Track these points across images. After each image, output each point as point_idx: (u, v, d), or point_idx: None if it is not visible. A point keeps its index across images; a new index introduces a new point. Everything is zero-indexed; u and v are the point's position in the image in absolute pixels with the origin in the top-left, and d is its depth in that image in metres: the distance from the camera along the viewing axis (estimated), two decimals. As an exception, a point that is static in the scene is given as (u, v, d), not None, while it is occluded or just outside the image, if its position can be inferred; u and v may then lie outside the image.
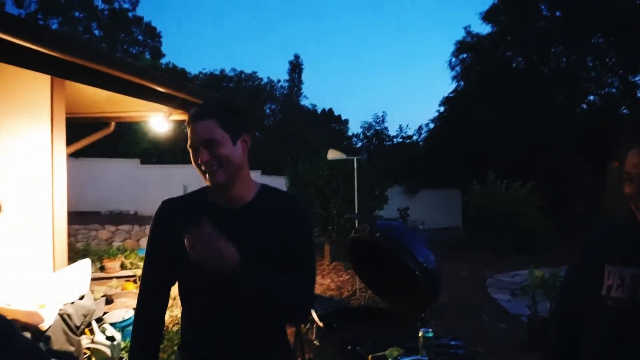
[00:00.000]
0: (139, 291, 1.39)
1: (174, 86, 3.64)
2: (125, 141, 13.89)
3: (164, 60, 21.77)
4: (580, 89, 14.97)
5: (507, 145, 13.22)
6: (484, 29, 17.92)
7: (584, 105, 15.82)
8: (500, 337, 4.73)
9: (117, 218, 10.38)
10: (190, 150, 1.25)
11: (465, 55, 16.39)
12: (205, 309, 1.29)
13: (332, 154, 6.37)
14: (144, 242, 9.75)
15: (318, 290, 6.44)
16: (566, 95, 14.84)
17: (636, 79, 14.05)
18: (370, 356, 2.13)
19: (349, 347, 2.30)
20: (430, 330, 2.18)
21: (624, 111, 15.21)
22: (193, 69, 34.74)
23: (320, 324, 2.52)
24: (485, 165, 11.55)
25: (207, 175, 1.23)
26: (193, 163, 1.25)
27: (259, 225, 1.28)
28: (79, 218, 9.49)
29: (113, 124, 4.84)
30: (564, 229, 11.92)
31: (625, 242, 1.15)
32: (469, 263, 8.89)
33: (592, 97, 15.88)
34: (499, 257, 9.58)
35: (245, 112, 1.33)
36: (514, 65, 16.10)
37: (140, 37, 24.51)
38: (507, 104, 13.76)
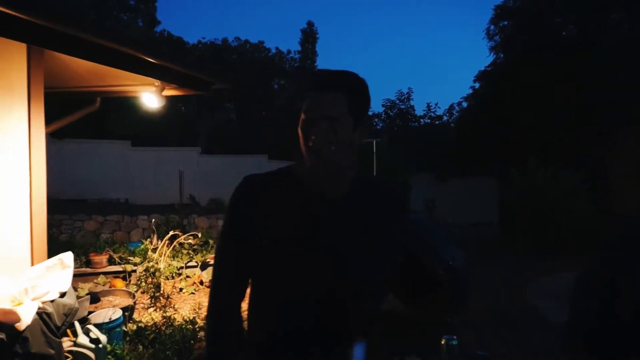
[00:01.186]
0: (215, 285, 1.36)
1: (166, 57, 3.65)
2: (114, 120, 14.03)
3: (158, 29, 21.87)
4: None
5: (553, 129, 12.98)
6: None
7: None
8: (540, 350, 4.70)
9: (106, 207, 10.56)
10: (303, 116, 1.20)
11: (506, 23, 16.09)
12: (292, 306, 1.28)
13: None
14: (135, 235, 9.90)
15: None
16: (630, 72, 14.44)
17: None
18: (384, 366, 2.13)
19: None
20: (454, 337, 2.17)
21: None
22: (191, 38, 34.81)
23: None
24: (526, 152, 11.39)
25: (312, 156, 1.19)
26: (301, 134, 1.22)
27: (354, 220, 1.27)
28: (63, 207, 9.67)
29: (98, 100, 4.88)
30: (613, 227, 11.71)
31: None
32: (505, 264, 8.83)
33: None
34: (540, 258, 9.50)
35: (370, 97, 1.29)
36: (565, 34, 15.71)
37: (132, 2, 24.61)
38: (555, 80, 13.48)
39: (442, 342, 2.18)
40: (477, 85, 17.79)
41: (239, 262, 1.31)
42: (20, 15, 2.52)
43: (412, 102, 20.23)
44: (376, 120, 21.40)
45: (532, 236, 10.07)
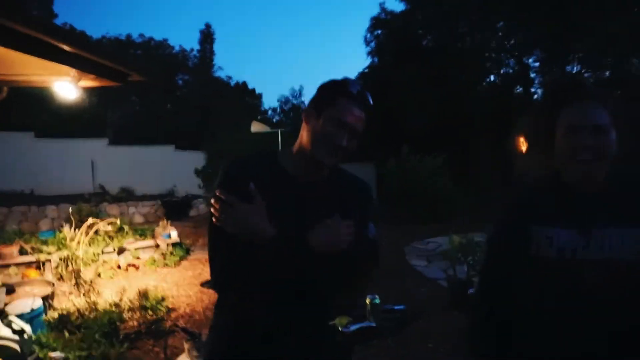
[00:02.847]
0: (215, 267, 1.23)
1: (83, 45, 3.20)
2: (16, 112, 12.29)
3: (58, 22, 19.41)
4: (484, 69, 16.13)
5: (418, 121, 13.92)
6: (398, 6, 18.49)
7: (485, 84, 17.11)
8: (422, 299, 5.02)
9: (10, 199, 9.26)
10: (333, 124, 1.21)
11: (379, 32, 16.78)
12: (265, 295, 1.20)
13: (256, 127, 6.19)
14: (43, 224, 8.84)
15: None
16: (470, 75, 15.93)
17: (529, 60, 15.44)
18: (320, 327, 2.11)
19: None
20: (376, 296, 2.21)
21: (519, 90, 16.73)
22: (94, 32, 31.45)
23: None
24: (398, 141, 12.08)
25: (328, 154, 1.20)
26: (320, 133, 1.22)
27: (332, 202, 1.24)
28: (-39, 200, 8.30)
29: (5, 89, 4.18)
30: (470, 197, 12.98)
31: (550, 202, 1.19)
32: (386, 233, 9.29)
33: (492, 77, 17.22)
34: (413, 227, 10.16)
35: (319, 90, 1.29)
36: (425, 43, 16.81)
37: (25, -6, 21.55)
38: (417, 81, 14.42)
39: (367, 301, 2.22)
40: (357, 84, 18.37)
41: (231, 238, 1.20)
42: None
43: (303, 99, 20.39)
44: (272, 113, 21.28)
45: (406, 210, 10.73)
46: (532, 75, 15.93)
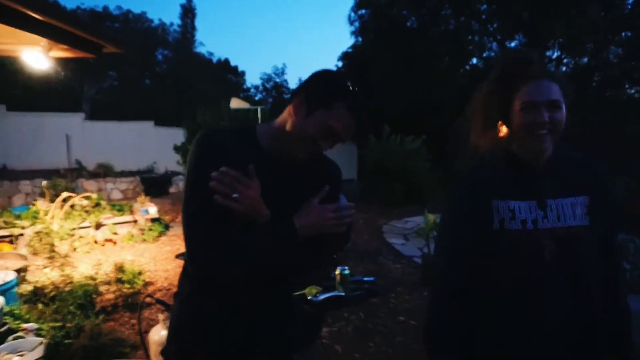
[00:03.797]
0: (198, 247, 1.13)
1: (55, 13, 3.10)
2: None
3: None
4: (465, 52, 16.20)
5: (399, 103, 13.97)
6: (383, -15, 18.26)
7: (468, 67, 17.22)
8: (397, 276, 5.15)
9: (-19, 173, 9.03)
10: (326, 129, 1.16)
11: (364, 12, 16.64)
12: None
13: (235, 103, 6.13)
14: (17, 200, 8.67)
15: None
16: (452, 57, 16.00)
17: (511, 44, 15.55)
18: (290, 296, 2.16)
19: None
20: (346, 268, 2.27)
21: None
22: (68, 3, 30.34)
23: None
24: (379, 121, 12.12)
25: (316, 149, 1.18)
26: (310, 134, 1.16)
27: (303, 180, 1.23)
28: None
29: (-27, 58, 4.03)
30: (447, 181, 13.19)
31: (506, 177, 1.24)
32: (365, 212, 9.42)
33: (474, 60, 17.32)
34: (391, 207, 10.31)
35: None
36: (408, 24, 16.76)
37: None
38: (400, 62, 14.42)
39: (337, 272, 2.28)
40: (340, 64, 18.28)
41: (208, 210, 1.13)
42: None
43: (285, 77, 20.18)
44: (254, 91, 21.03)
45: (386, 189, 10.85)
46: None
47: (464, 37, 15.93)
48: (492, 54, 16.62)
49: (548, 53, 14.66)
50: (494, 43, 16.39)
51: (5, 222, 5.65)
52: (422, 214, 5.28)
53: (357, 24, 16.76)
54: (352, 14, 16.68)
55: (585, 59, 14.61)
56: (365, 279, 2.39)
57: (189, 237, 1.13)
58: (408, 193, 10.89)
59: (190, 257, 1.13)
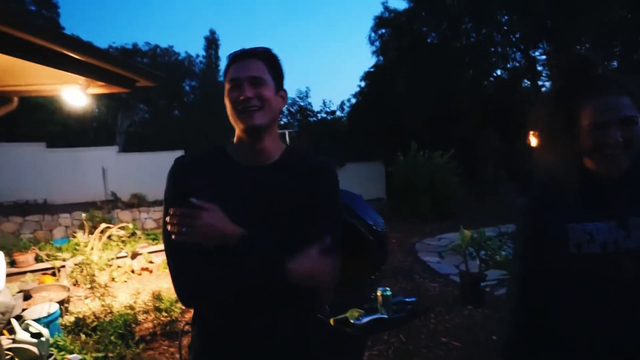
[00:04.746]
0: (183, 282, 1.14)
1: (92, 53, 3.25)
2: (25, 123, 12.48)
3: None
4: (489, 64, 16.06)
5: (422, 117, 13.89)
6: (401, 4, 18.47)
7: (492, 79, 17.02)
8: (434, 295, 5.01)
9: (24, 208, 9.39)
10: (229, 85, 1.18)
11: (383, 31, 16.76)
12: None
13: (264, 128, 6.21)
14: (57, 232, 8.94)
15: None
16: (476, 69, 15.87)
17: (536, 53, 15.34)
18: (332, 320, 2.12)
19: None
20: (387, 289, 2.22)
21: (526, 84, 16.62)
22: (101, 42, 31.85)
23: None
24: (405, 138, 12.06)
25: (242, 116, 1.16)
26: (228, 102, 1.18)
27: (283, 185, 1.19)
28: (-23, 211, 8.45)
29: (16, 99, 4.24)
30: (476, 194, 12.93)
31: (579, 196, 1.14)
32: (396, 230, 9.29)
33: (498, 72, 17.12)
34: (422, 224, 10.14)
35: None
36: (429, 40, 16.76)
37: (32, 7, 21.88)
38: (422, 78, 14.38)
39: (378, 293, 2.23)
40: (363, 83, 18.38)
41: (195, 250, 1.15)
42: None
43: (309, 99, 20.40)
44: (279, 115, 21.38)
45: (415, 206, 10.69)
46: (539, 68, 15.83)
47: (486, 49, 15.80)
48: (517, 64, 16.41)
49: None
50: (517, 53, 16.18)
51: (48, 255, 5.84)
52: (454, 229, 5.17)
53: (377, 43, 16.88)
54: (372, 34, 16.84)
55: (615, 63, 14.22)
56: (407, 299, 2.32)
57: (172, 276, 1.15)
58: (437, 208, 10.70)
59: (178, 293, 1.15)
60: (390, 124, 15.00)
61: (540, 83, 15.95)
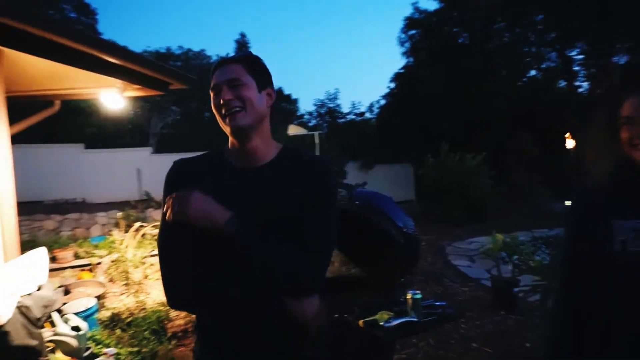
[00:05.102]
0: (173, 282, 1.14)
1: (129, 57, 3.37)
2: (65, 125, 13.00)
3: (101, 39, 20.42)
4: (522, 64, 15.64)
5: (453, 119, 13.65)
6: (432, 5, 18.27)
7: (525, 79, 16.57)
8: (465, 300, 4.92)
9: (63, 207, 9.77)
10: (212, 94, 1.20)
11: (414, 32, 16.59)
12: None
13: (293, 130, 6.28)
14: (94, 230, 9.26)
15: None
16: (509, 70, 15.48)
17: (572, 53, 14.83)
18: (361, 322, 2.12)
19: (336, 315, 2.27)
20: (418, 292, 2.19)
21: (562, 84, 16.10)
22: (136, 47, 32.86)
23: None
24: (435, 139, 11.87)
25: (227, 119, 1.17)
26: (213, 108, 1.19)
27: (276, 186, 1.18)
28: (21, 209, 8.82)
29: (58, 102, 4.43)
30: (509, 197, 12.61)
31: (626, 193, 1.14)
32: (426, 233, 9.18)
33: (532, 72, 16.65)
34: (453, 227, 9.97)
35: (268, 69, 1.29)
36: (460, 40, 16.48)
37: (72, 15, 22.78)
38: (453, 79, 14.15)
39: (408, 296, 2.21)
40: (392, 85, 18.25)
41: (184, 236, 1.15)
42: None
43: (338, 101, 20.43)
44: (308, 117, 21.44)
45: (445, 209, 10.53)
46: (576, 68, 15.30)
47: (520, 49, 15.40)
48: (552, 64, 15.92)
49: (614, 59, 13.80)
50: (552, 53, 15.70)
51: (86, 252, 6.06)
52: (486, 233, 5.05)
53: (407, 44, 16.73)
54: (402, 35, 16.70)
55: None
56: (437, 303, 2.29)
57: (162, 277, 1.15)
58: (469, 211, 10.50)
59: (166, 298, 1.14)
60: (420, 125, 14.83)
61: (577, 84, 15.44)
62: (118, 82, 3.79)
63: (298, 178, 1.19)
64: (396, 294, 2.49)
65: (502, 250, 4.56)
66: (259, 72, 1.22)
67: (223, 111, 1.16)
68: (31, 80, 3.96)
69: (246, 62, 1.20)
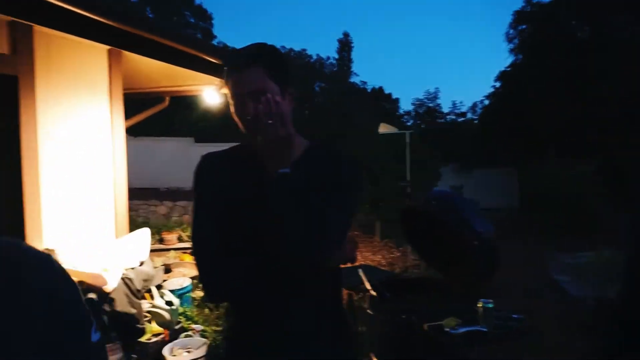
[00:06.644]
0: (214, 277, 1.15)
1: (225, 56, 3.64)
2: (179, 120, 14.36)
3: (214, 42, 22.11)
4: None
5: (566, 122, 12.38)
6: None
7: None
8: (559, 318, 4.48)
9: (174, 194, 10.80)
10: (232, 101, 1.12)
11: (524, 26, 15.40)
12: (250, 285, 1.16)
13: (384, 128, 6.23)
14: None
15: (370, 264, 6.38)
16: (633, 68, 13.60)
17: None
18: (426, 325, 2.05)
19: (403, 317, 2.23)
20: (491, 301, 2.06)
21: None
22: (238, 45, 35.13)
23: (373, 293, 2.46)
24: (542, 144, 10.91)
25: (253, 134, 1.09)
26: (236, 118, 1.12)
27: (300, 184, 1.15)
28: (140, 194, 9.96)
29: (167, 98, 4.93)
30: (622, 210, 11.12)
31: None
32: (528, 243, 8.52)
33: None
34: (559, 238, 9.10)
35: (288, 62, 1.21)
36: (579, 35, 14.91)
37: (192, 20, 25.00)
38: (568, 78, 12.84)
39: (479, 305, 2.08)
40: (497, 84, 17.15)
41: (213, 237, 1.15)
42: (102, 19, 2.54)
43: (438, 101, 19.77)
44: (406, 117, 21.06)
45: (550, 218, 9.66)
46: None
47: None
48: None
49: None
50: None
51: (189, 236, 6.64)
52: (595, 248, 4.53)
53: (516, 40, 15.57)
54: (511, 31, 15.59)
55: None
56: (514, 315, 2.13)
57: (199, 270, 1.14)
58: (578, 223, 9.48)
59: (204, 291, 1.16)
60: (526, 128, 13.71)
61: None
62: (217, 80, 4.11)
63: (322, 176, 1.15)
64: (470, 302, 2.36)
65: (609, 268, 4.07)
66: (279, 71, 1.13)
67: (248, 126, 1.09)
68: (145, 78, 4.45)
69: (266, 62, 1.10)
